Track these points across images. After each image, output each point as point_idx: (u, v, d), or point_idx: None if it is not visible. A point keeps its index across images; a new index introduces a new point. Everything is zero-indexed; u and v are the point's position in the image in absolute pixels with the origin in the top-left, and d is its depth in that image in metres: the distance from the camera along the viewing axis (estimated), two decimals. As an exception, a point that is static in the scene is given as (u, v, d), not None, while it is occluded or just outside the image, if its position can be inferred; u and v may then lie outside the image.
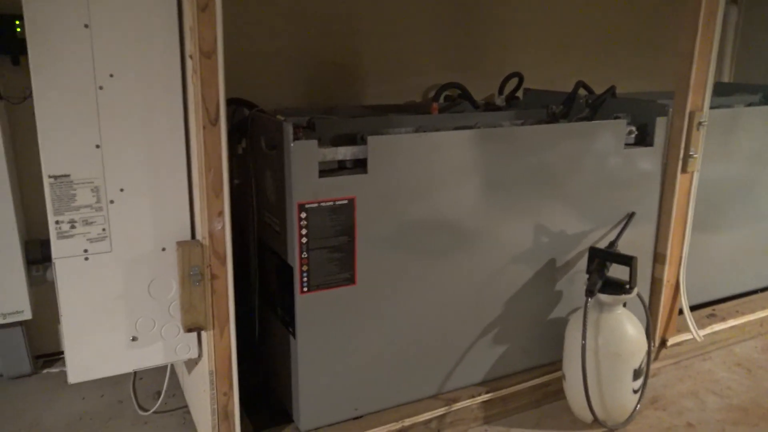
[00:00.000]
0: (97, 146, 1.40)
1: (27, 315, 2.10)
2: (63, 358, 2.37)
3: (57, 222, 1.40)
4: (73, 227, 1.42)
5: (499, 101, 2.73)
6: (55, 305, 2.22)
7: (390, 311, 1.82)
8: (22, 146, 2.10)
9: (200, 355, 1.63)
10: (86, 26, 1.35)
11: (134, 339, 1.53)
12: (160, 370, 2.00)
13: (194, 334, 1.60)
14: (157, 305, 1.54)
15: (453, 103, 2.54)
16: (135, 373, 2.20)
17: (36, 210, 2.12)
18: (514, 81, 2.77)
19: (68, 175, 1.39)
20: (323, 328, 1.74)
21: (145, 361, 1.57)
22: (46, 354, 2.38)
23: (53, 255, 1.42)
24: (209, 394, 1.58)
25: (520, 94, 2.76)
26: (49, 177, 1.37)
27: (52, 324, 2.35)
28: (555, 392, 2.10)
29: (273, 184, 1.75)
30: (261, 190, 1.85)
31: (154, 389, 2.21)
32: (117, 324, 1.51)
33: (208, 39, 1.39)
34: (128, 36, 1.38)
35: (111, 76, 1.38)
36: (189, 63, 1.43)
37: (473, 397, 1.97)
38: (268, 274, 1.94)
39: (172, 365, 2.14)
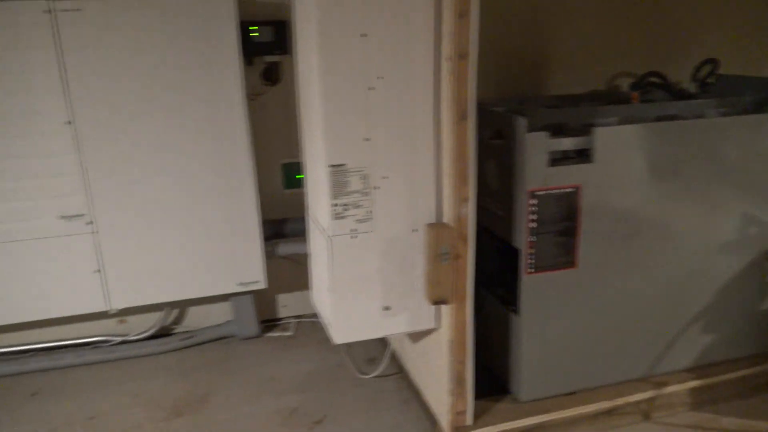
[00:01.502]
0: (367, 139, 1.60)
1: (262, 285, 2.42)
2: (280, 324, 2.69)
3: (334, 205, 1.62)
4: (345, 210, 1.63)
5: (693, 88, 2.69)
6: (277, 278, 2.52)
7: (606, 294, 1.91)
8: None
9: (437, 326, 1.81)
10: (363, 35, 1.54)
11: (387, 308, 1.74)
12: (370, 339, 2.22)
13: (434, 307, 1.78)
14: (406, 280, 1.74)
15: (645, 91, 2.54)
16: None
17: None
18: (708, 67, 2.71)
19: (344, 165, 1.60)
20: (545, 307, 1.86)
21: (394, 327, 1.77)
22: (266, 320, 2.70)
23: (330, 233, 1.65)
24: (447, 361, 1.76)
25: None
26: (329, 166, 1.59)
27: (271, 294, 2.67)
28: (765, 384, 2.09)
29: (497, 172, 1.88)
30: (480, 177, 1.99)
31: (364, 356, 2.44)
32: (374, 295, 1.72)
33: (464, 43, 1.54)
34: (395, 42, 1.57)
35: (380, 78, 1.57)
36: (444, 64, 1.59)
37: (682, 382, 2.01)
38: (483, 255, 2.09)
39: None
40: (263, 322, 2.67)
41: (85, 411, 2.18)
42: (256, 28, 2.33)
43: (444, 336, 1.77)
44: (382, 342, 2.47)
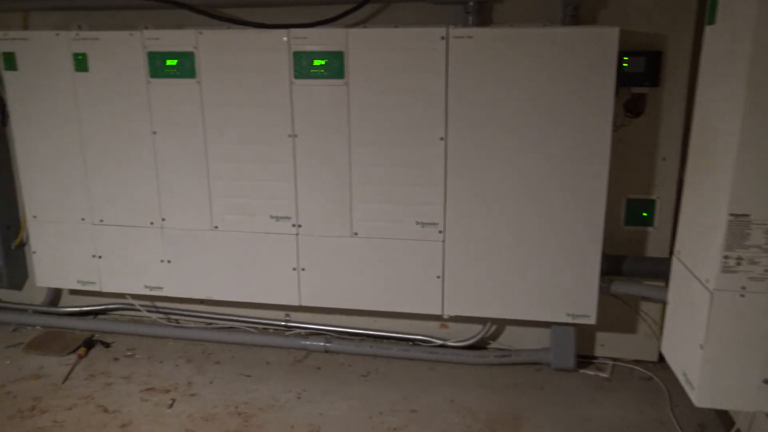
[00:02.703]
0: (783, 191, 1.44)
1: (592, 320, 2.35)
2: (595, 362, 2.58)
3: (725, 257, 1.49)
4: (738, 264, 1.49)
5: None
6: (602, 315, 2.41)
7: None
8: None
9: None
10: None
11: (767, 381, 1.54)
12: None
13: (826, 393, 1.52)
14: (798, 354, 1.52)
15: None
16: (670, 396, 2.26)
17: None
18: None
19: (748, 216, 1.46)
20: None
21: (771, 405, 1.56)
22: (580, 355, 2.61)
23: (713, 287, 1.51)
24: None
25: None
26: (730, 215, 1.46)
27: (592, 330, 2.58)
28: None
29: None
30: None
31: (692, 419, 2.22)
32: (754, 363, 1.54)
33: None
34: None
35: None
36: None
37: None
38: None
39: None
40: (577, 356, 2.60)
41: (407, 403, 2.36)
42: (627, 58, 2.26)
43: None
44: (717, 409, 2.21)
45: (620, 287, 2.38)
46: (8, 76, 2.58)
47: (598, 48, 2.11)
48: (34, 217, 2.71)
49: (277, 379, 2.53)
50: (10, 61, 2.55)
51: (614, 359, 2.61)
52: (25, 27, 2.71)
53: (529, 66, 2.15)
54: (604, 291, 2.39)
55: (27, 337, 2.85)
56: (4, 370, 2.61)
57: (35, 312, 2.98)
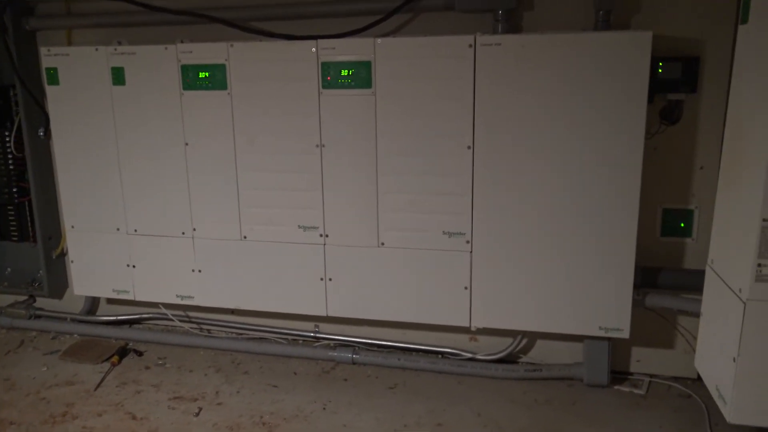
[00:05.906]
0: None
1: (625, 334, 2.27)
2: (630, 379, 2.48)
3: (759, 265, 1.41)
4: (774, 272, 1.41)
5: None
6: (637, 329, 2.32)
7: None
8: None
9: None
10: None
11: (808, 398, 1.45)
12: None
13: None
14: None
15: None
16: (709, 415, 2.15)
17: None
18: None
19: (781, 221, 1.39)
20: None
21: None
22: (615, 371, 2.52)
23: (746, 296, 1.44)
24: None
25: None
26: (764, 221, 1.39)
27: (626, 345, 2.49)
28: None
29: None
30: None
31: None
32: (793, 378, 1.45)
33: None
34: None
35: None
36: None
37: None
38: None
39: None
40: (611, 372, 2.51)
41: (433, 416, 2.32)
42: (662, 64, 2.20)
43: None
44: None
45: (655, 300, 2.30)
46: (51, 90, 2.67)
47: (629, 53, 2.06)
48: (72, 227, 2.79)
49: (304, 389, 2.52)
50: (53, 76, 2.65)
51: (651, 375, 2.51)
52: (69, 44, 2.81)
53: (559, 72, 2.11)
54: (638, 304, 2.31)
55: (64, 345, 2.92)
56: (41, 376, 2.67)
57: (73, 320, 3.05)
